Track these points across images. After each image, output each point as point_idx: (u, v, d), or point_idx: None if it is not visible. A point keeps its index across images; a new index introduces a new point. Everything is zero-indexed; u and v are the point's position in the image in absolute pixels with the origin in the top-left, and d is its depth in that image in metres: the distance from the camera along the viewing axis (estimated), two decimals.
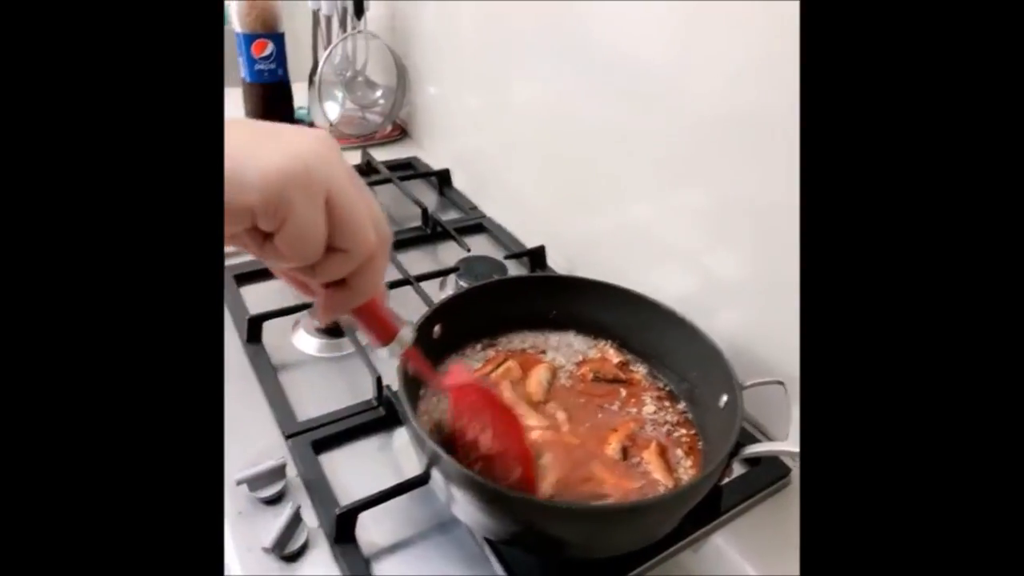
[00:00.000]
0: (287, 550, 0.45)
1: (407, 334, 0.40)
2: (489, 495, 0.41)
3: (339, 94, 1.11)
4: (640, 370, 0.59)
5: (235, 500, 0.49)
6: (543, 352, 0.60)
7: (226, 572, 0.46)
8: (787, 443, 0.45)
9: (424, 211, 0.87)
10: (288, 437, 0.55)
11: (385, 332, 0.40)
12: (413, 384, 0.50)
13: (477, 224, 0.90)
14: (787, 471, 0.56)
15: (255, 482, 0.49)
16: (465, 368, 0.57)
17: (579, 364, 0.59)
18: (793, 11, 0.49)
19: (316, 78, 1.05)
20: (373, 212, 0.33)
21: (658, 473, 0.49)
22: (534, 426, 0.52)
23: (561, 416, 0.54)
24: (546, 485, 0.47)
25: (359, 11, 1.03)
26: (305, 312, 0.68)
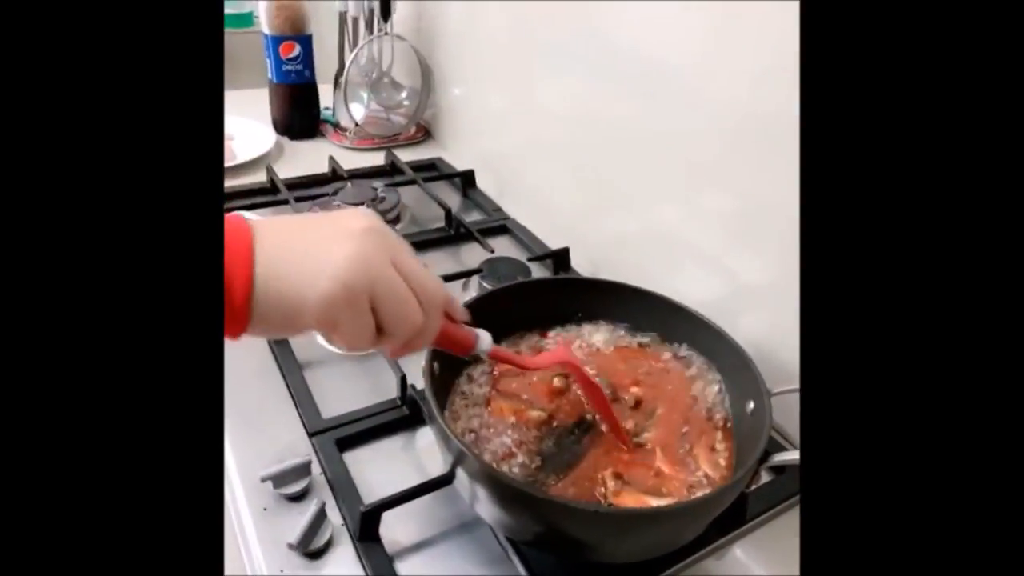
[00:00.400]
0: (311, 547, 0.46)
1: (485, 341, 0.43)
2: (512, 494, 0.41)
3: (364, 95, 1.11)
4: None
5: (260, 496, 0.50)
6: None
7: (251, 567, 0.47)
8: None
9: (448, 212, 0.87)
10: (313, 435, 0.56)
11: (463, 347, 0.43)
12: (440, 383, 0.50)
13: (501, 225, 0.90)
14: None
15: (280, 479, 0.49)
16: (565, 343, 0.59)
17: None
18: None
19: (342, 79, 1.06)
20: (418, 287, 0.36)
21: (707, 466, 0.49)
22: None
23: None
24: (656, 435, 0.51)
25: (386, 13, 1.04)
26: None
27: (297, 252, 0.33)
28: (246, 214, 0.36)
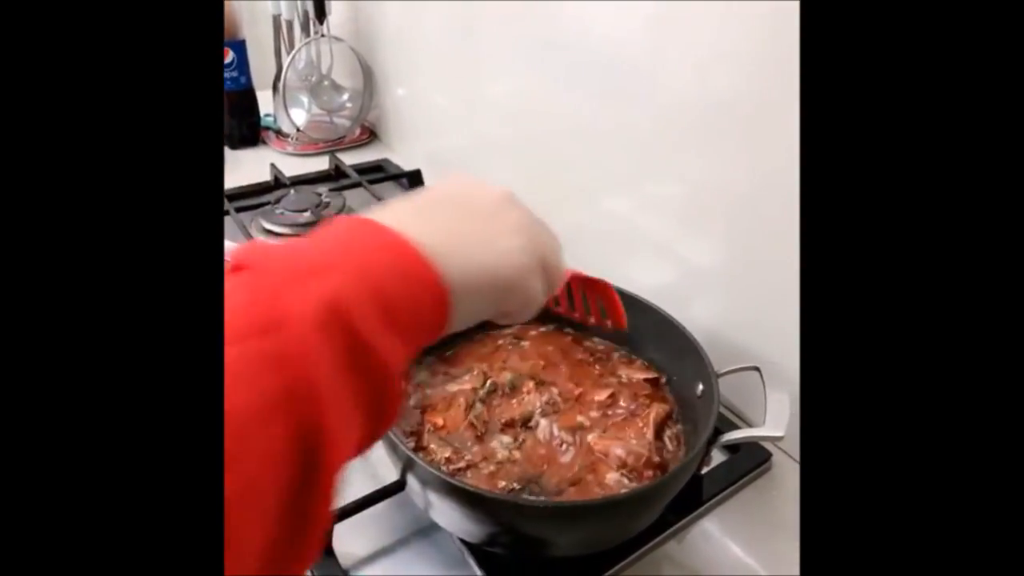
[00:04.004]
0: None
1: None
2: (465, 498, 0.40)
3: (305, 99, 1.09)
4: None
5: None
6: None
7: None
8: (765, 428, 0.44)
9: None
10: None
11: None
12: None
13: None
14: (768, 455, 0.56)
15: None
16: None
17: None
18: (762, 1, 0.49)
19: (280, 84, 1.03)
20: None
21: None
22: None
23: None
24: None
25: (320, 15, 1.01)
26: None
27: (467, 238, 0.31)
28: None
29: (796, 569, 0.26)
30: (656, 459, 0.47)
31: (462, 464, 0.47)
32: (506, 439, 0.49)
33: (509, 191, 0.35)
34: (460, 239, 0.30)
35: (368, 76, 1.08)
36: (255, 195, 0.91)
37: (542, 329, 0.61)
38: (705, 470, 0.51)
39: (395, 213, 0.29)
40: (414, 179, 0.98)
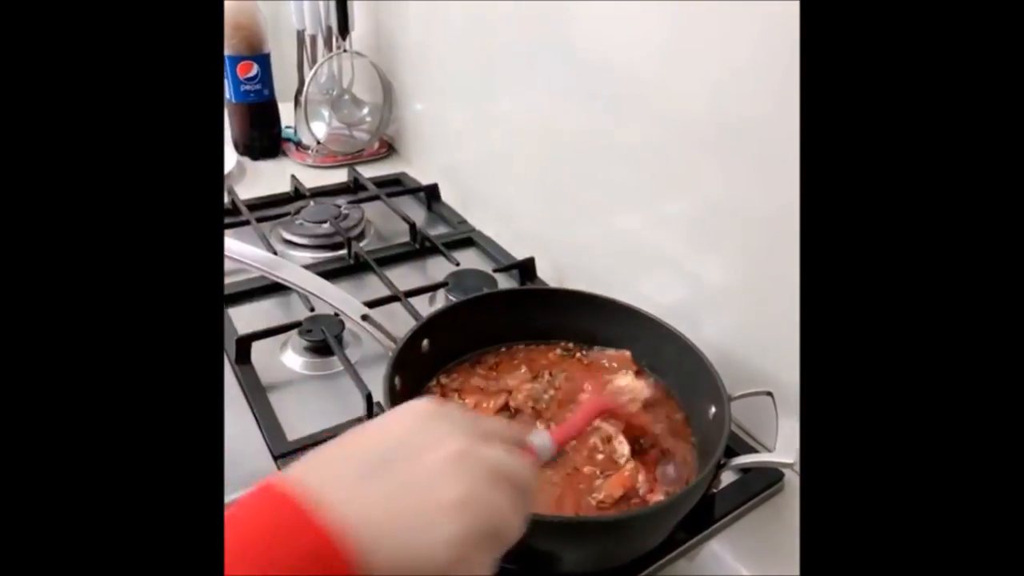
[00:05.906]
0: None
1: (544, 445, 0.39)
2: None
3: (326, 113, 1.11)
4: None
5: None
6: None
7: None
8: (775, 454, 0.45)
9: (412, 226, 0.87)
10: (278, 458, 0.55)
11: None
12: (400, 400, 0.50)
13: (466, 238, 0.90)
14: (780, 476, 0.56)
15: None
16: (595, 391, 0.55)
17: None
18: (777, 19, 0.49)
19: (302, 98, 1.05)
20: (510, 471, 0.32)
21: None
22: None
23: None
24: None
25: (344, 30, 1.04)
26: (294, 331, 0.68)
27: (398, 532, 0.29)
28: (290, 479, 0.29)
29: None
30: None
31: None
32: None
33: (464, 446, 0.31)
34: (395, 522, 0.28)
35: (388, 91, 1.10)
36: (275, 205, 0.93)
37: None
38: (716, 490, 0.51)
39: (334, 474, 0.29)
40: (431, 193, 0.99)
